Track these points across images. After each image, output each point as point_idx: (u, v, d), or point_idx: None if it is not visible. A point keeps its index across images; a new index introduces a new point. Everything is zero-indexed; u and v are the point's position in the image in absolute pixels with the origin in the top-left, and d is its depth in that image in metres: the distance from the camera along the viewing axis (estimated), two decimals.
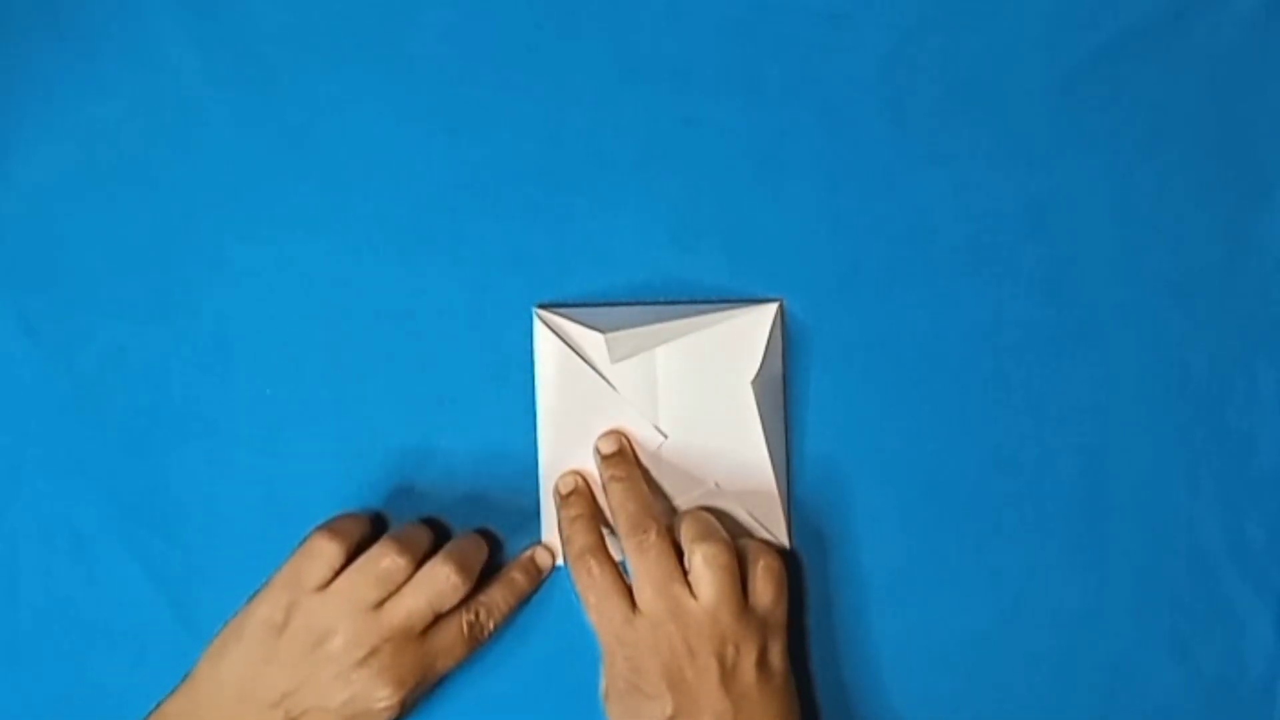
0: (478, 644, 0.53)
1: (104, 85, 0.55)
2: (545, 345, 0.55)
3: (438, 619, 0.51)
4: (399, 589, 0.51)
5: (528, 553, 0.55)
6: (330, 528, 0.51)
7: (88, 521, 0.54)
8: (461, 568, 0.51)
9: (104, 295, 0.55)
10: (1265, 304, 0.57)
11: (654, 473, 0.55)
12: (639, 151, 0.56)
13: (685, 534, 0.51)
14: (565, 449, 0.55)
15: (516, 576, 0.54)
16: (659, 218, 0.56)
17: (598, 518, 0.54)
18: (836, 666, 0.56)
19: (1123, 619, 0.57)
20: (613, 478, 0.53)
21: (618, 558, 0.53)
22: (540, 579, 0.55)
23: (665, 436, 0.55)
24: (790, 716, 0.51)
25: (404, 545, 0.51)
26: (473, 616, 0.52)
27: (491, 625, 0.53)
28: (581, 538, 0.53)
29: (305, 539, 0.51)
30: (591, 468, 0.55)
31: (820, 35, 0.56)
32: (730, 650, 0.50)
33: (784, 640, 0.52)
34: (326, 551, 0.51)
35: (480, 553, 0.53)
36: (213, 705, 0.50)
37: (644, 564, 0.51)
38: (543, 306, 0.55)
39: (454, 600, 0.51)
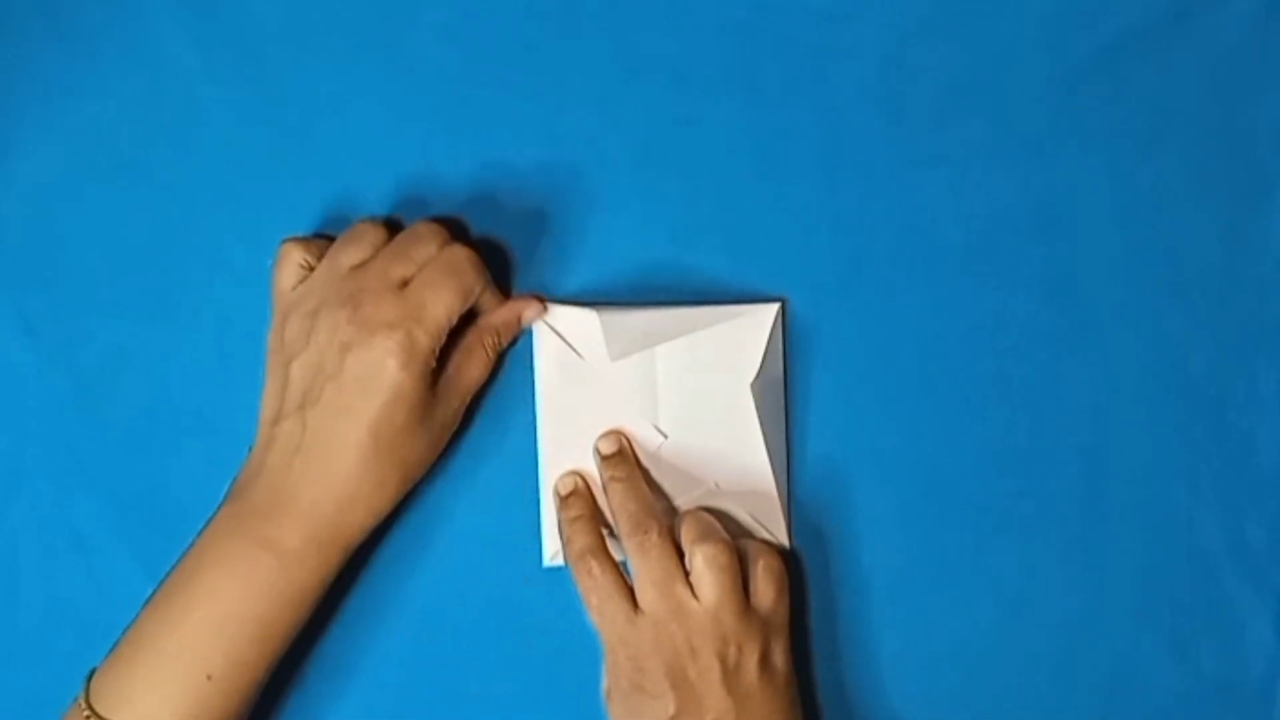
0: (465, 291, 0.50)
1: (104, 85, 0.55)
2: (545, 345, 0.55)
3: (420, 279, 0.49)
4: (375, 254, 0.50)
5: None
6: (295, 237, 0.52)
7: (88, 521, 0.54)
8: (438, 226, 0.50)
9: (104, 295, 0.55)
10: (1265, 304, 0.57)
11: (654, 473, 0.55)
12: (639, 151, 0.56)
13: (686, 535, 0.51)
14: (565, 449, 0.55)
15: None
16: (659, 218, 0.56)
17: (597, 518, 0.54)
18: (837, 666, 0.56)
19: (1123, 619, 0.57)
20: (613, 478, 0.53)
21: (618, 558, 0.53)
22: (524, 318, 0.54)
23: (665, 436, 0.55)
24: (792, 716, 0.51)
25: (374, 219, 0.51)
26: (456, 254, 0.50)
27: (472, 268, 0.50)
28: (582, 538, 0.52)
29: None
30: (591, 468, 0.55)
31: (820, 35, 0.56)
32: (733, 650, 0.50)
33: (786, 640, 0.52)
34: (294, 254, 0.51)
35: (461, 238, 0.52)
36: (259, 451, 0.49)
37: (646, 564, 0.51)
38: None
39: (430, 243, 0.50)
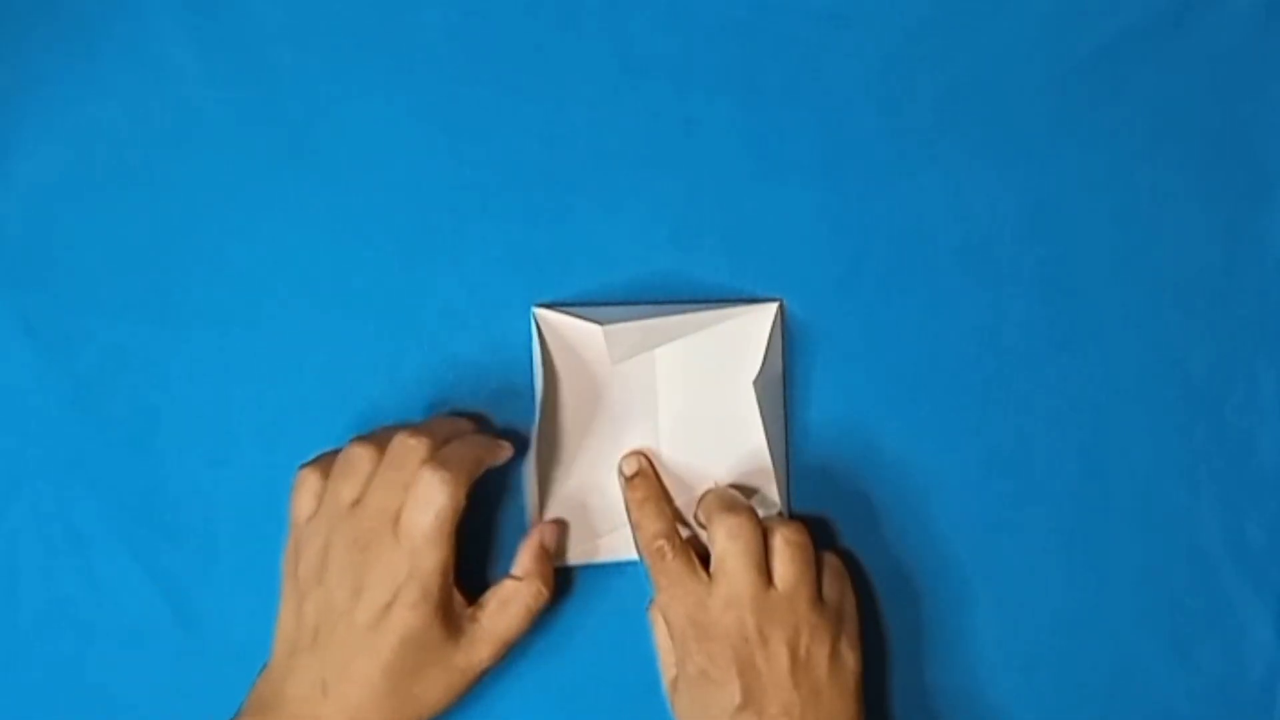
0: (448, 514, 0.48)
1: (104, 85, 0.55)
2: (545, 350, 0.55)
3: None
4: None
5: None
6: (311, 461, 0.51)
7: (88, 521, 0.54)
8: (421, 432, 0.50)
9: (104, 295, 0.55)
10: (1265, 304, 0.57)
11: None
12: (639, 151, 0.56)
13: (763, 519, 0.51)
14: (564, 449, 0.55)
15: (479, 439, 0.52)
16: (659, 218, 0.56)
17: (665, 498, 0.54)
18: None
19: (1123, 619, 0.57)
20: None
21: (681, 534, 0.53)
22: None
23: (665, 439, 0.55)
24: (859, 716, 0.51)
25: (368, 437, 0.51)
26: (428, 483, 0.49)
27: (463, 475, 0.49)
28: (653, 523, 0.52)
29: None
30: (589, 472, 0.55)
31: (820, 35, 0.56)
32: (804, 640, 0.49)
33: (857, 636, 0.52)
34: (309, 481, 0.50)
35: (453, 425, 0.52)
36: (277, 674, 0.49)
37: (733, 545, 0.50)
38: (542, 306, 0.55)
39: (414, 458, 0.49)
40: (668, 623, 0.51)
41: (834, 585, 0.52)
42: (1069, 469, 0.57)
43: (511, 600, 0.51)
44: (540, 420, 0.54)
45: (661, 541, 0.51)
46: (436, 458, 0.49)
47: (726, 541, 0.50)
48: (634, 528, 0.53)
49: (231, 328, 0.55)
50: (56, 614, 0.54)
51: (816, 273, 0.56)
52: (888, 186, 0.57)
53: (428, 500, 0.48)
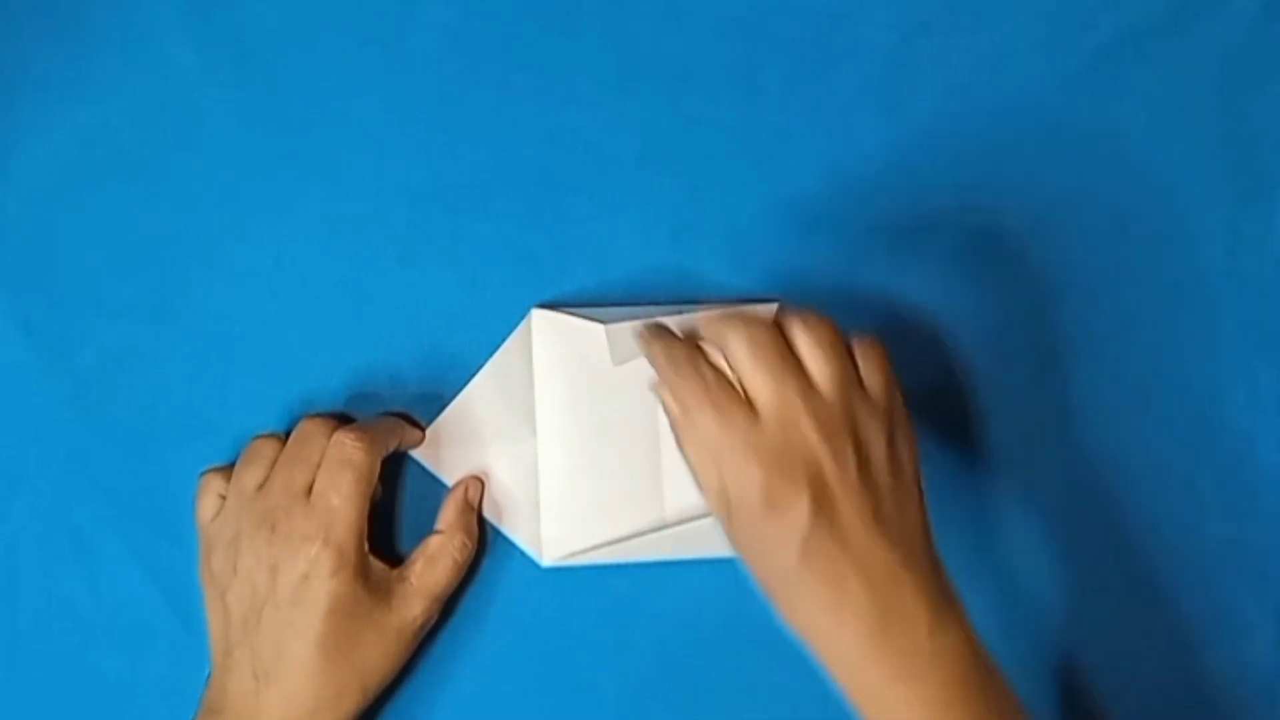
0: (364, 478, 0.49)
1: (104, 85, 0.55)
2: (545, 345, 0.55)
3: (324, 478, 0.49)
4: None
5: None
6: (212, 467, 0.52)
7: (88, 521, 0.54)
8: (326, 415, 0.51)
9: (104, 295, 0.55)
10: (1265, 304, 0.57)
11: (654, 477, 0.55)
12: (639, 151, 0.56)
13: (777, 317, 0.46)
14: (565, 450, 0.55)
15: (389, 419, 0.53)
16: (659, 218, 0.56)
17: None
18: None
19: (1123, 619, 0.57)
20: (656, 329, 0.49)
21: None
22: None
23: (665, 440, 0.55)
24: (924, 518, 0.47)
25: (269, 434, 0.52)
26: (342, 445, 0.49)
27: (377, 444, 0.50)
28: (680, 346, 0.46)
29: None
30: (589, 469, 0.55)
31: (820, 35, 0.56)
32: (862, 433, 0.45)
33: (910, 432, 0.47)
34: (213, 483, 0.51)
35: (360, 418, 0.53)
36: (218, 676, 0.49)
37: (759, 354, 0.44)
38: (543, 306, 0.55)
39: (321, 434, 0.50)
40: (714, 454, 0.45)
41: (874, 373, 0.46)
42: (1069, 469, 0.57)
43: (439, 555, 0.52)
44: (540, 421, 0.54)
45: (699, 362, 0.46)
46: (348, 427, 0.50)
47: (749, 357, 0.44)
48: (661, 365, 0.47)
49: (232, 328, 0.55)
50: (56, 614, 0.54)
51: (817, 272, 0.56)
52: (888, 186, 0.57)
53: (343, 460, 0.49)
